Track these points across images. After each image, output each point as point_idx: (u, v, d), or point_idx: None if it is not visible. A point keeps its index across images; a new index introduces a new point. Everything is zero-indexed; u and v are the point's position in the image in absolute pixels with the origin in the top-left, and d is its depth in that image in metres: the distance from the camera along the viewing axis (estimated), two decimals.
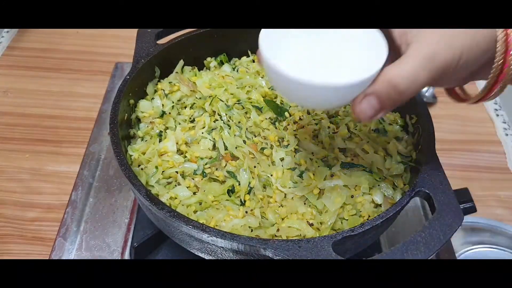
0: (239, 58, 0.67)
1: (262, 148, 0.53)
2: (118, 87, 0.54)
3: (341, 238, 0.41)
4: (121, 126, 0.53)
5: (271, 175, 0.51)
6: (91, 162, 0.72)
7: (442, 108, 0.89)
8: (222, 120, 0.56)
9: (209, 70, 0.66)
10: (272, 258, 0.40)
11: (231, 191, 0.50)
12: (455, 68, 0.37)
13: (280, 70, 0.36)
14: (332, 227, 0.48)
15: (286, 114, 0.57)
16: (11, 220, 0.68)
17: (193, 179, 0.51)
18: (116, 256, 0.60)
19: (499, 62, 0.38)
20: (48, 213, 0.69)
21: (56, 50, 0.99)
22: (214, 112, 0.57)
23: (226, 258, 0.45)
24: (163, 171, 0.52)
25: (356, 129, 0.56)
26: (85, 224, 0.64)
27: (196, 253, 0.49)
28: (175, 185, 0.51)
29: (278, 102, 0.58)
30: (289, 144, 0.54)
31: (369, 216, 0.49)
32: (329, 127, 0.56)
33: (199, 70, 0.65)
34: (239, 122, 0.56)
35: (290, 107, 0.58)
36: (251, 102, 0.58)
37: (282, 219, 0.49)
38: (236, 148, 0.53)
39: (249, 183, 0.50)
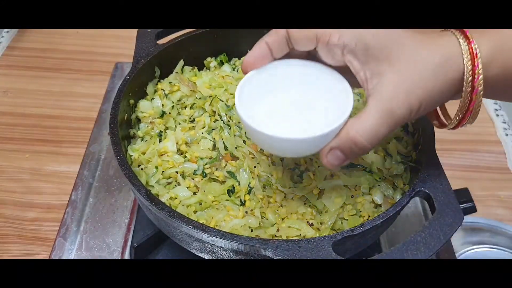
0: (239, 58, 0.67)
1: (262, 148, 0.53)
2: (118, 87, 0.54)
3: (341, 238, 0.41)
4: (121, 126, 0.53)
5: (271, 175, 0.51)
6: (91, 162, 0.72)
7: None
8: (222, 120, 0.56)
9: (209, 70, 0.66)
10: (272, 258, 0.40)
11: (231, 191, 0.50)
12: (416, 115, 0.39)
13: (252, 127, 0.40)
14: (332, 227, 0.48)
15: None
16: (11, 220, 0.68)
17: (193, 179, 0.51)
18: (116, 256, 0.60)
19: (466, 101, 0.39)
20: (48, 213, 0.69)
21: (56, 50, 0.99)
22: (214, 112, 0.57)
23: (226, 258, 0.45)
24: (163, 171, 0.52)
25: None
26: (85, 224, 0.64)
27: (196, 253, 0.49)
28: (175, 185, 0.51)
29: None
30: None
31: (369, 216, 0.49)
32: None
33: (199, 70, 0.65)
34: (239, 122, 0.56)
35: None
36: None
37: (282, 219, 0.49)
38: (236, 148, 0.53)
39: (249, 183, 0.50)
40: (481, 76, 0.37)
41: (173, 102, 0.59)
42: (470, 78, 0.37)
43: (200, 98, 0.59)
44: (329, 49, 0.41)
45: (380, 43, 0.38)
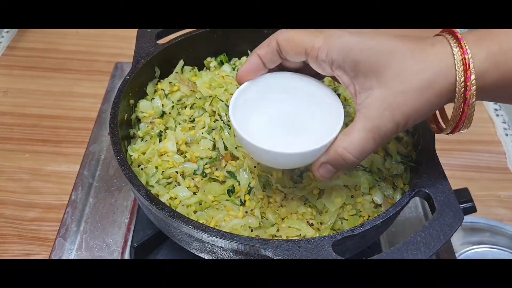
0: (239, 58, 0.67)
1: None
2: (118, 87, 0.54)
3: (341, 238, 0.41)
4: (121, 126, 0.53)
5: (271, 175, 0.51)
6: (91, 162, 0.72)
7: None
8: (222, 120, 0.56)
9: (209, 70, 0.66)
10: (272, 258, 0.40)
11: (231, 191, 0.50)
12: (404, 128, 0.39)
13: (245, 138, 0.41)
14: (332, 227, 0.48)
15: None
16: (11, 220, 0.68)
17: (193, 179, 0.51)
18: (116, 256, 0.60)
19: (458, 112, 0.39)
20: (48, 213, 0.69)
21: (56, 50, 0.99)
22: (214, 112, 0.57)
23: (226, 258, 0.45)
24: (163, 171, 0.52)
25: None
26: (85, 224, 0.64)
27: (196, 253, 0.49)
28: (175, 185, 0.51)
29: None
30: None
31: (369, 216, 0.49)
32: None
33: (199, 70, 0.65)
34: None
35: None
36: None
37: (282, 219, 0.49)
38: (236, 148, 0.53)
39: (249, 183, 0.50)
40: (473, 87, 0.36)
41: (173, 102, 0.59)
42: (462, 90, 0.37)
43: (200, 98, 0.59)
44: (319, 63, 0.41)
45: (368, 58, 0.38)
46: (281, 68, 0.46)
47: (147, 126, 0.57)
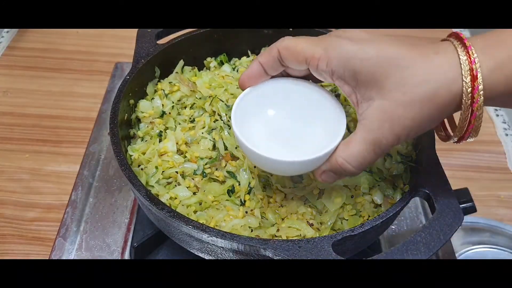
0: (239, 58, 0.67)
1: None
2: (118, 87, 0.54)
3: (341, 238, 0.41)
4: (121, 126, 0.53)
5: (271, 175, 0.51)
6: (91, 162, 0.72)
7: None
8: (222, 120, 0.56)
9: (209, 70, 0.66)
10: (272, 258, 0.40)
11: (231, 191, 0.50)
12: (405, 140, 0.39)
13: (248, 147, 0.42)
14: (332, 227, 0.48)
15: None
16: (11, 220, 0.68)
17: (193, 179, 0.51)
18: (116, 256, 0.60)
19: (464, 123, 0.37)
20: (48, 213, 0.69)
21: (56, 50, 0.99)
22: (214, 112, 0.57)
23: (226, 258, 0.45)
24: (163, 171, 0.52)
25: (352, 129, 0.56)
26: (85, 224, 0.64)
27: (196, 253, 0.49)
28: (175, 185, 0.51)
29: None
30: None
31: (369, 216, 0.49)
32: None
33: (199, 70, 0.65)
34: None
35: None
36: None
37: (282, 219, 0.49)
38: (236, 148, 0.53)
39: (249, 183, 0.50)
40: (481, 99, 0.35)
41: (173, 102, 0.59)
42: (469, 102, 0.35)
43: (200, 98, 0.59)
44: (319, 73, 0.41)
45: (368, 69, 0.37)
46: (285, 74, 0.46)
47: (147, 126, 0.57)
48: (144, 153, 0.53)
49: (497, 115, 0.90)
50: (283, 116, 0.47)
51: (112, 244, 0.61)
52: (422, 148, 0.51)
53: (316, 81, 0.46)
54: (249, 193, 0.50)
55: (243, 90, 0.46)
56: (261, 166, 0.45)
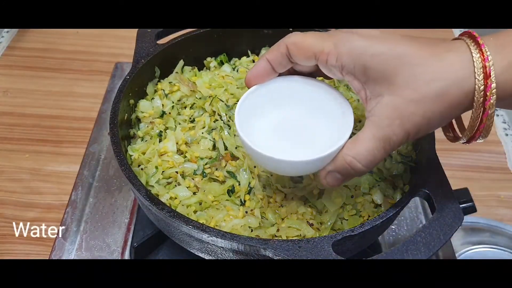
0: (239, 58, 0.67)
1: None
2: (118, 87, 0.54)
3: (341, 238, 0.41)
4: (121, 126, 0.53)
5: (271, 175, 0.51)
6: (91, 162, 0.72)
7: None
8: (222, 120, 0.56)
9: (209, 70, 0.66)
10: (272, 258, 0.40)
11: (231, 191, 0.50)
12: (414, 138, 0.38)
13: (250, 146, 0.41)
14: (332, 227, 0.48)
15: None
16: (11, 220, 0.68)
17: (193, 179, 0.51)
18: (116, 256, 0.60)
19: (476, 122, 0.37)
20: (48, 213, 0.69)
21: (56, 50, 0.99)
22: (214, 112, 0.57)
23: (226, 258, 0.45)
24: (163, 171, 0.52)
25: (356, 129, 0.56)
26: (85, 224, 0.64)
27: (196, 253, 0.49)
28: (175, 185, 0.51)
29: None
30: None
31: (369, 216, 0.49)
32: None
33: (199, 70, 0.65)
34: None
35: None
36: None
37: (282, 219, 0.49)
38: (236, 148, 0.53)
39: (249, 183, 0.50)
40: (493, 97, 0.35)
41: (173, 102, 0.59)
42: (481, 100, 0.35)
43: (200, 98, 0.59)
44: (329, 68, 0.40)
45: (379, 64, 0.37)
46: (292, 71, 0.45)
47: (147, 126, 0.57)
48: (144, 153, 0.53)
49: (497, 115, 0.90)
50: (288, 115, 0.46)
51: (112, 244, 0.61)
52: (422, 148, 0.51)
53: (322, 77, 0.45)
54: (249, 193, 0.50)
55: (248, 88, 0.45)
56: (264, 166, 0.45)
